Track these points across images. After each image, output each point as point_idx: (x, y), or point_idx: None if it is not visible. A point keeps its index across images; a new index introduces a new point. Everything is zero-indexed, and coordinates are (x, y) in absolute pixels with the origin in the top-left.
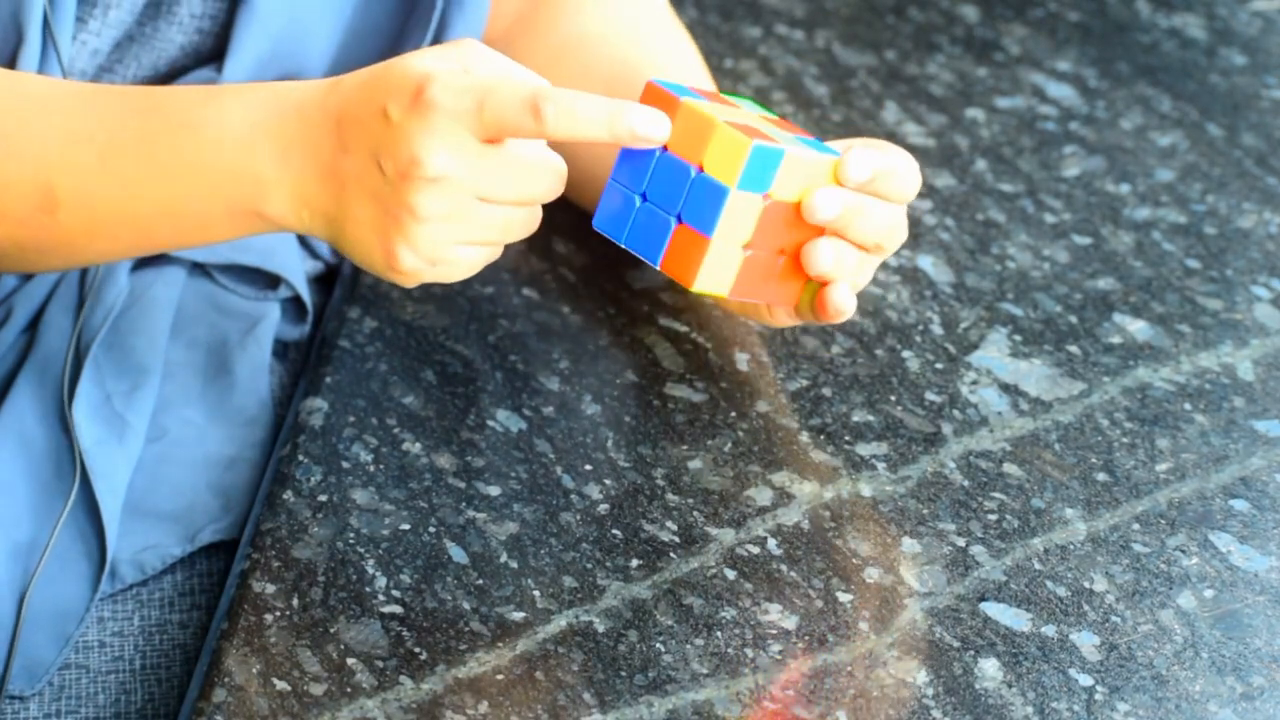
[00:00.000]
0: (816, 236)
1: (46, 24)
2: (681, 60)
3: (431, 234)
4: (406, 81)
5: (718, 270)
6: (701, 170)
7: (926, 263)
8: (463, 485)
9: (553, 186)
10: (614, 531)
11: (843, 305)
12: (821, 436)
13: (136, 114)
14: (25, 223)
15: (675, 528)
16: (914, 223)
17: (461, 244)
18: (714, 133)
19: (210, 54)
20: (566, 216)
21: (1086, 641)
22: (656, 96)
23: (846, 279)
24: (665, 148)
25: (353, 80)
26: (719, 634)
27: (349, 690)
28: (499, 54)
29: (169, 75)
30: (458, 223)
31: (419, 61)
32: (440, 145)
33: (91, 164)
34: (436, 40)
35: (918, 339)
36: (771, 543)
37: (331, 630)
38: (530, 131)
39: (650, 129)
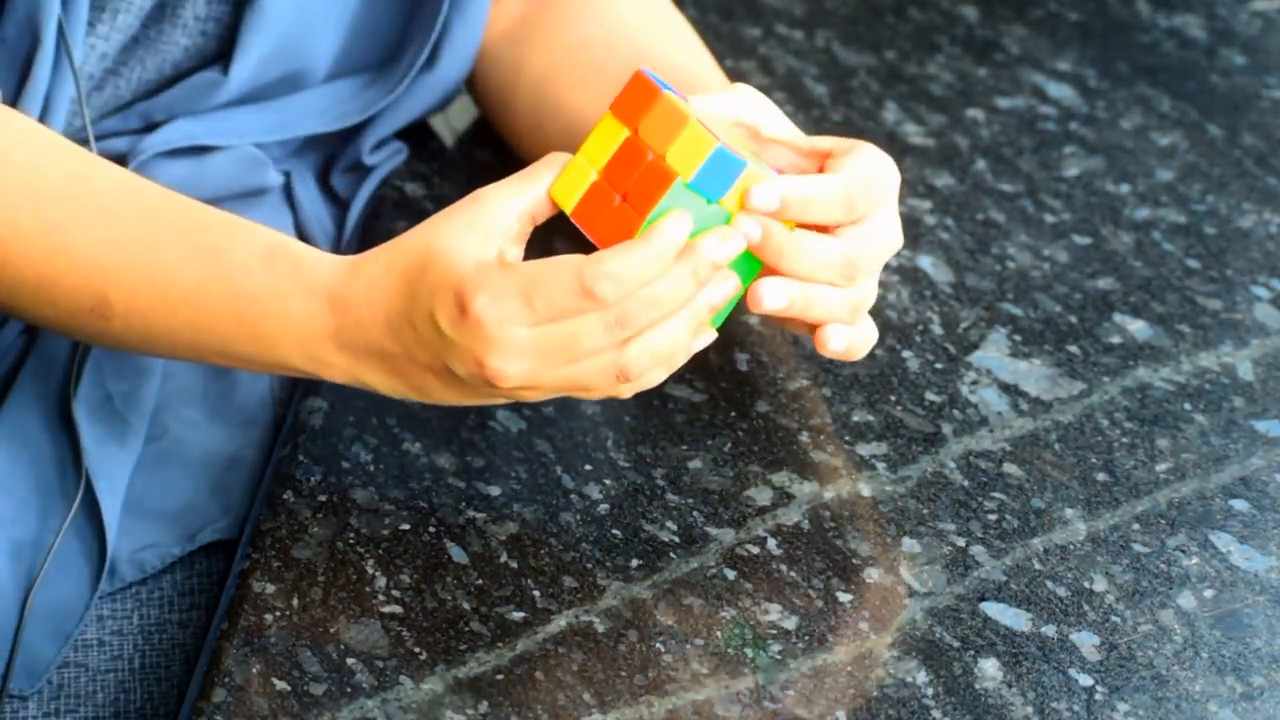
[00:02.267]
0: (658, 190)
1: (60, 27)
2: (693, 61)
3: (523, 393)
4: (446, 290)
5: (571, 184)
6: (663, 160)
7: (926, 263)
8: (463, 485)
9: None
10: (614, 531)
11: (830, 341)
12: (821, 436)
13: (194, 258)
14: (77, 317)
15: (675, 528)
16: (914, 223)
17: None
18: (685, 128)
19: (214, 56)
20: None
21: (1086, 641)
22: (641, 85)
23: (813, 316)
24: (636, 132)
25: (392, 279)
26: (719, 634)
27: (349, 690)
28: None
29: (173, 76)
30: (540, 386)
31: (452, 260)
32: (502, 353)
33: (147, 291)
34: (436, 46)
35: (918, 339)
36: (771, 543)
37: (331, 630)
38: (592, 311)
39: (724, 250)
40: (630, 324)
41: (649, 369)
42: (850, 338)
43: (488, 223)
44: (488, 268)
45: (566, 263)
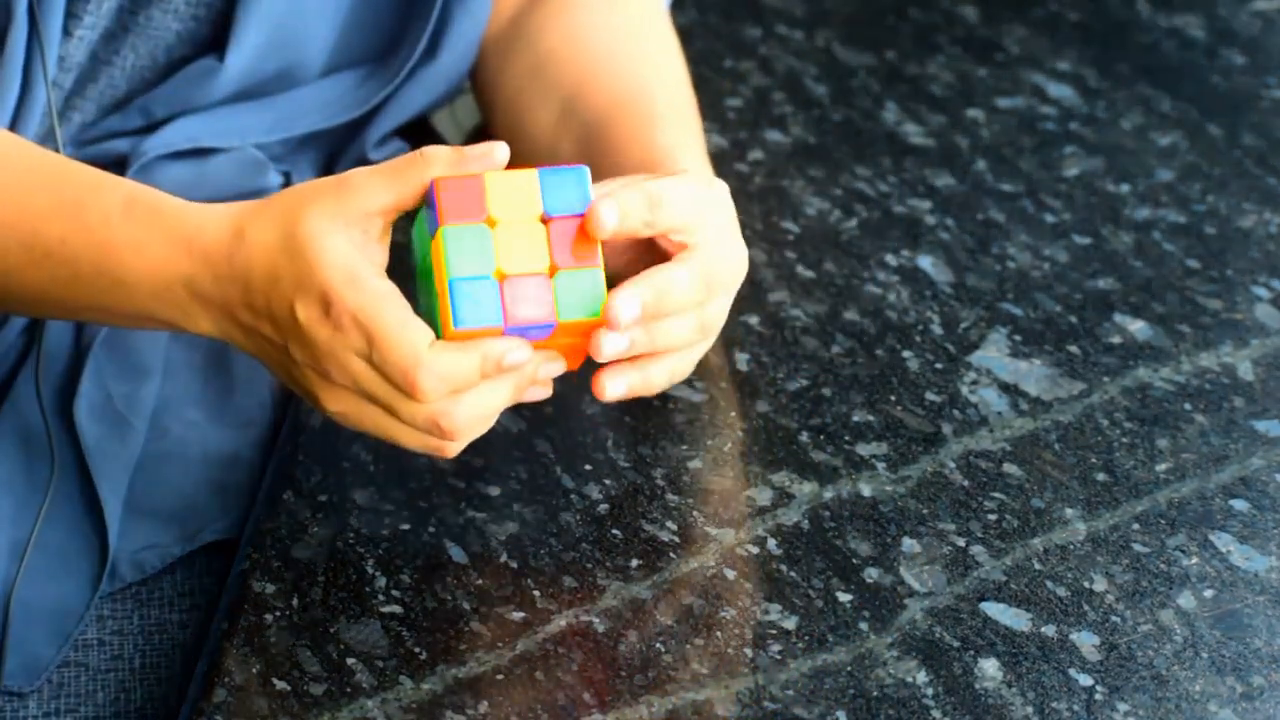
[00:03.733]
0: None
1: (32, 6)
2: (659, 73)
3: (338, 412)
4: (314, 288)
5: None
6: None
7: (926, 263)
8: (463, 485)
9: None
10: (614, 531)
11: (607, 388)
12: (821, 436)
13: (58, 212)
14: None
15: (675, 528)
16: (914, 223)
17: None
18: (478, 178)
19: (207, 42)
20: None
21: (1086, 641)
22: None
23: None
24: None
25: (259, 242)
26: (719, 634)
27: (349, 690)
28: (365, 263)
29: (169, 65)
30: (358, 419)
31: (321, 257)
32: (336, 366)
33: (17, 248)
34: (437, 38)
35: (918, 339)
36: (771, 543)
37: (331, 630)
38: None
39: (516, 356)
40: (449, 425)
41: (468, 426)
42: (630, 382)
43: (350, 216)
44: (355, 278)
45: (409, 338)
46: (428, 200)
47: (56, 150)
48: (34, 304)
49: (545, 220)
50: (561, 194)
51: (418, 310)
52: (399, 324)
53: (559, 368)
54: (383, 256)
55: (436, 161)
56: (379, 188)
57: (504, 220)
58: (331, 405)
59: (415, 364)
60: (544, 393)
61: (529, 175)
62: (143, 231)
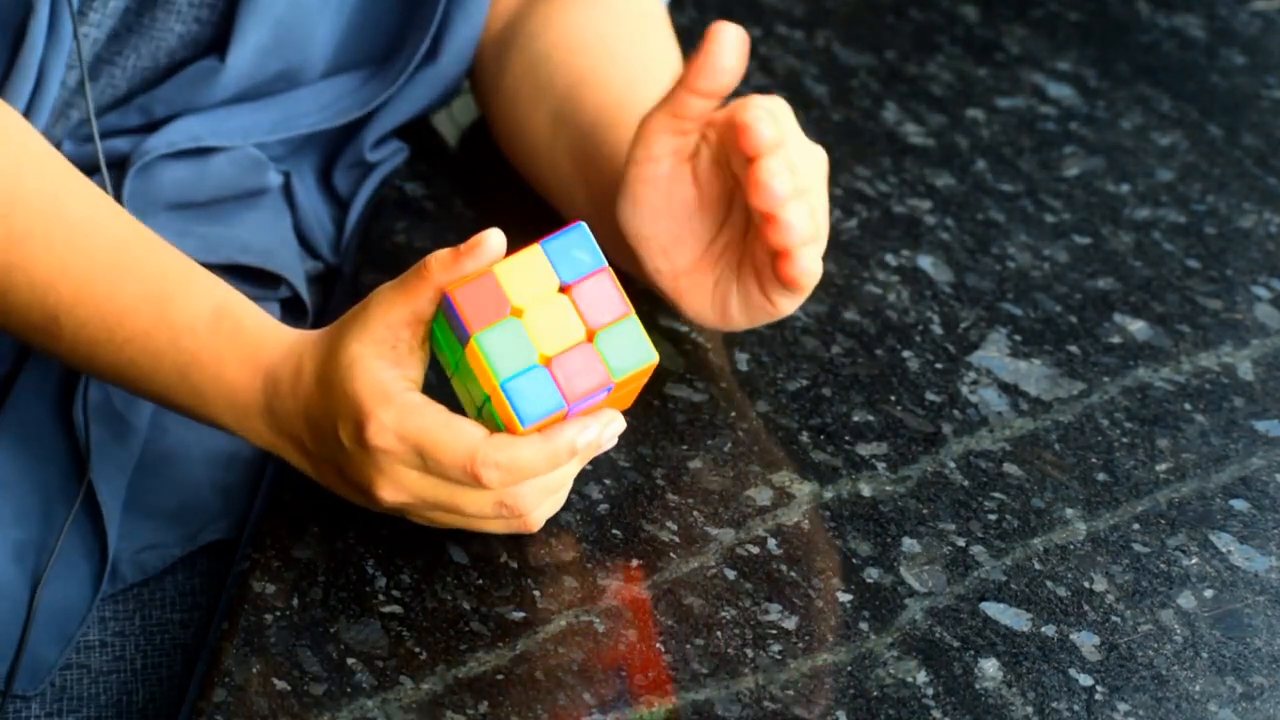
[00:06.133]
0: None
1: (55, 8)
2: (654, 76)
3: (405, 513)
4: (349, 412)
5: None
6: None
7: (926, 263)
8: None
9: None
10: (614, 531)
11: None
12: (821, 436)
13: (146, 303)
14: (26, 331)
15: (675, 528)
16: (914, 223)
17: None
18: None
19: (210, 44)
20: (566, 218)
21: (1086, 641)
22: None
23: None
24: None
25: (310, 376)
26: (719, 634)
27: (349, 690)
28: (403, 387)
29: (169, 66)
30: (425, 517)
31: (356, 381)
32: (387, 483)
33: (97, 325)
34: (437, 40)
35: (918, 339)
36: (771, 543)
37: (331, 630)
38: (476, 490)
39: (586, 438)
40: (516, 505)
41: (539, 505)
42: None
43: (378, 334)
44: (387, 396)
45: (462, 437)
46: (445, 308)
47: (74, 137)
48: (106, 376)
49: (565, 289)
50: (570, 259)
51: (456, 409)
52: (443, 425)
53: (620, 426)
54: (418, 370)
55: (439, 268)
56: (395, 302)
57: (528, 305)
58: (390, 505)
59: (472, 459)
60: (612, 443)
61: (534, 253)
62: (226, 348)
